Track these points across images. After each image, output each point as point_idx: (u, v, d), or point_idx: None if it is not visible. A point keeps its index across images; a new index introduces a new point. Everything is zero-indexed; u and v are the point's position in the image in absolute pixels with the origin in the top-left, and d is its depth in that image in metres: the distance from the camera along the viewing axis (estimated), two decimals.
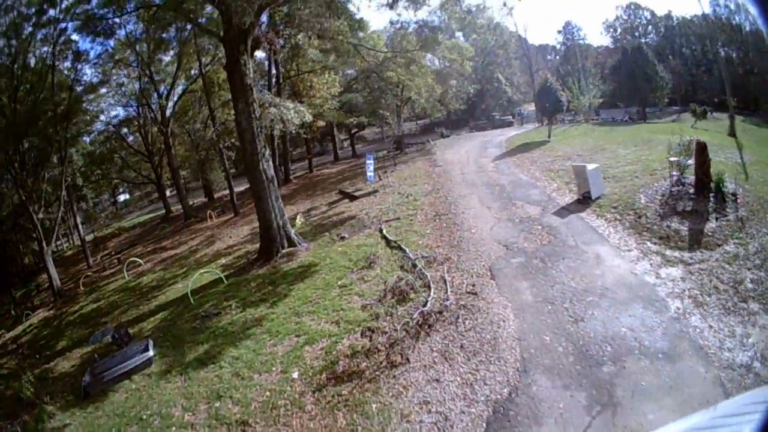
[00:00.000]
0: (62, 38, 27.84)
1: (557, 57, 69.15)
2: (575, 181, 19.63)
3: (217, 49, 31.23)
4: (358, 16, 26.79)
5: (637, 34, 50.50)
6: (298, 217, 24.29)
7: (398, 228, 19.32)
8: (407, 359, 10.28)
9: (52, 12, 25.64)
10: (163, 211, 43.27)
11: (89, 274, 28.58)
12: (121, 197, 58.10)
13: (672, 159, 16.24)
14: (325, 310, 13.54)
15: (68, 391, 13.21)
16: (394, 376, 9.84)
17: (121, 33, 29.93)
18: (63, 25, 26.62)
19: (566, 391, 8.48)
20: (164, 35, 31.58)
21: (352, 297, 14.01)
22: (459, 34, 47.57)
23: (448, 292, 12.79)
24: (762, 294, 10.24)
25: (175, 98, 38.14)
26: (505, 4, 58.36)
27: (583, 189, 17.96)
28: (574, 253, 13.49)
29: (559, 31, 70.06)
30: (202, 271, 19.37)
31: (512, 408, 8.27)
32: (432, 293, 12.91)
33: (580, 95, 37.11)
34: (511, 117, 53.37)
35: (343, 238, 19.81)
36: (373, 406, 9.06)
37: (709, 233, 12.81)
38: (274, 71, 38.82)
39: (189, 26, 27.92)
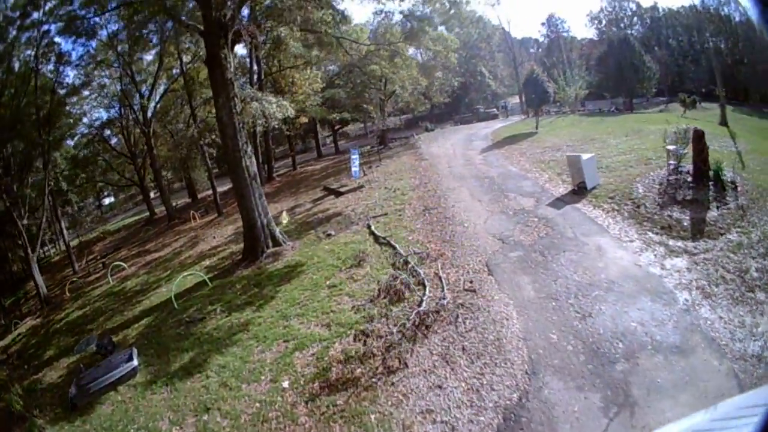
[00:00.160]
0: (45, 40, 27.87)
1: (540, 50, 69.86)
2: (569, 171, 19.44)
3: (198, 46, 30.94)
4: (341, 8, 26.71)
5: (622, 25, 50.91)
6: (283, 214, 23.87)
7: (387, 224, 18.89)
8: (405, 364, 9.74)
9: (36, 15, 25.71)
10: (148, 213, 43.05)
11: (75, 279, 28.13)
12: (107, 200, 57.79)
13: (669, 147, 16.05)
14: (314, 313, 12.98)
15: (56, 404, 12.76)
16: (393, 383, 9.29)
17: (103, 34, 29.93)
18: (46, 27, 26.61)
19: (580, 392, 8.06)
20: (145, 34, 30.92)
21: (342, 298, 13.47)
22: (441, 27, 47.61)
23: (445, 290, 12.28)
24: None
25: (157, 98, 38.03)
26: None
27: (577, 179, 17.70)
28: (575, 246, 13.13)
29: (543, 24, 70.71)
30: (185, 274, 18.92)
31: (524, 414, 7.79)
32: (427, 292, 12.38)
33: (566, 86, 37.21)
34: (495, 110, 53.43)
35: (329, 235, 19.38)
36: (372, 416, 8.49)
37: (711, 222, 12.61)
38: (255, 68, 38.51)
39: (170, 24, 27.76)
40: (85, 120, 38.05)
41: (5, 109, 26.57)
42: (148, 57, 36.00)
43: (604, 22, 53.28)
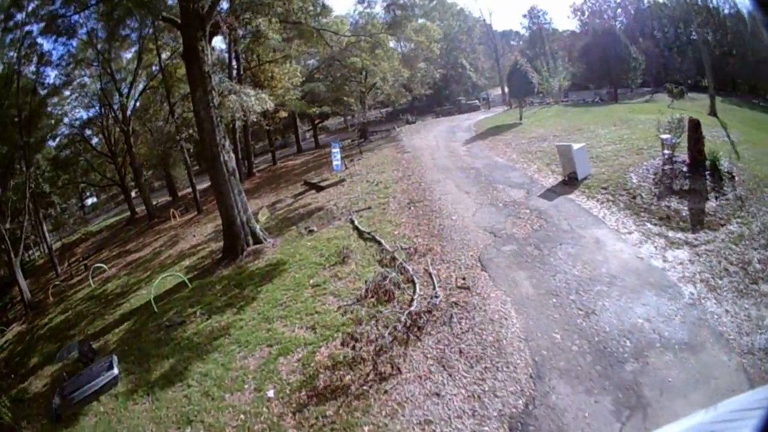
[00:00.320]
0: (27, 41, 28.13)
1: (521, 42, 70.28)
2: (558, 161, 19.23)
3: (177, 42, 30.91)
4: (321, 1, 26.85)
5: (605, 17, 51.28)
6: (263, 210, 23.54)
7: (370, 218, 18.47)
8: (398, 369, 9.21)
9: (19, 16, 25.98)
10: (129, 212, 43.18)
11: (57, 283, 27.82)
12: (89, 201, 57.67)
13: (663, 137, 15.85)
14: (297, 314, 12.48)
15: (42, 414, 12.60)
16: (386, 391, 8.76)
17: (83, 33, 30.40)
18: (28, 27, 26.95)
19: (589, 396, 7.66)
20: (124, 31, 31.69)
21: (326, 297, 12.98)
22: (422, 20, 47.40)
23: (436, 288, 11.80)
24: None
25: (136, 95, 38.34)
26: None
27: (568, 170, 17.41)
28: (571, 238, 12.76)
29: (525, 16, 71.12)
30: (164, 275, 18.50)
31: (531, 423, 7.33)
32: (418, 290, 11.91)
33: (550, 77, 37.28)
34: (477, 101, 53.38)
35: (311, 231, 18.91)
36: (365, 429, 7.93)
37: (711, 213, 12.41)
38: (234, 63, 38.41)
39: (149, 21, 28.58)
40: (65, 120, 38.06)
41: None
42: (128, 55, 36.54)
43: (587, 13, 53.62)
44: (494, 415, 7.60)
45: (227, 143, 19.16)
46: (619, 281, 10.35)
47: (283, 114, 41.28)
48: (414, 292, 11.85)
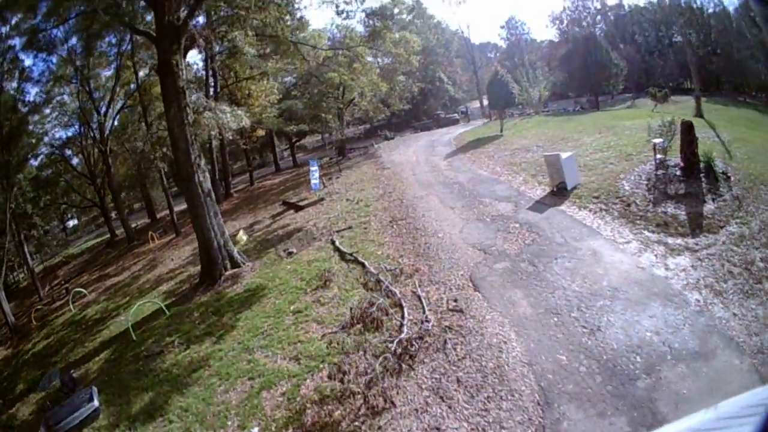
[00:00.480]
0: (9, 55, 28.50)
1: (498, 54, 72.17)
2: (544, 172, 19.35)
3: (154, 58, 31.00)
4: (299, 14, 27.37)
5: (585, 24, 52.71)
6: (240, 233, 23.38)
7: (352, 238, 18.26)
8: (392, 402, 8.74)
9: (2, 29, 26.18)
10: (109, 235, 43.70)
11: (40, 307, 27.88)
12: (71, 223, 58.63)
13: (655, 141, 15.96)
14: (279, 344, 12.08)
15: None
16: (380, 427, 8.28)
17: (63, 49, 30.62)
18: (10, 42, 27.23)
19: (603, 419, 7.34)
20: (102, 47, 32.31)
21: (309, 325, 12.57)
22: (397, 35, 48.32)
23: (426, 312, 11.40)
24: None
25: (114, 114, 38.56)
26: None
27: (556, 180, 17.40)
28: (567, 252, 12.56)
29: (503, 27, 73.12)
30: (141, 302, 18.44)
31: None
32: (406, 314, 11.50)
33: (530, 88, 37.96)
34: (456, 115, 54.42)
35: (291, 253, 18.65)
36: None
37: (709, 215, 12.40)
38: (211, 81, 38.99)
39: (127, 37, 29.52)
40: (45, 139, 38.45)
41: None
42: (107, 72, 36.83)
43: (565, 22, 55.13)
44: None
45: (203, 163, 19.08)
46: (622, 294, 10.13)
47: (261, 132, 41.87)
48: (402, 317, 11.43)
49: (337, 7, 27.07)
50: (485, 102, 49.99)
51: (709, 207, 12.67)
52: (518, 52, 58.60)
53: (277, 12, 23.00)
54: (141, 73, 34.57)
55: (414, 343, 10.23)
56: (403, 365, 9.68)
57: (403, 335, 10.44)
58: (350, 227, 19.64)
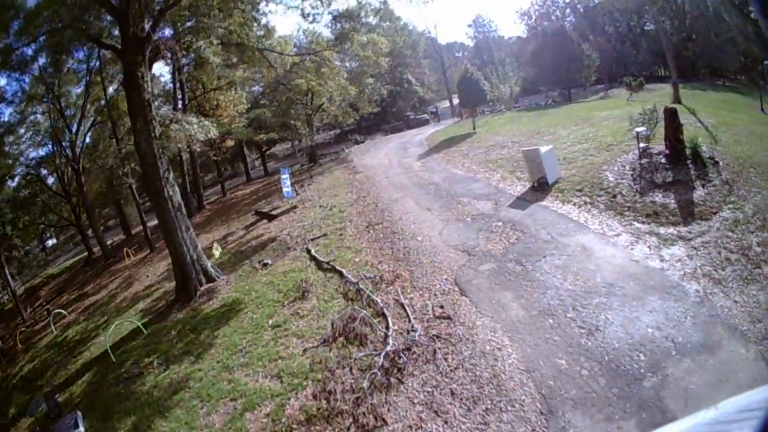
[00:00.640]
0: None
1: (465, 53, 73.47)
2: (523, 168, 19.36)
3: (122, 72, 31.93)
4: (264, 20, 27.78)
5: (554, 18, 53.73)
6: (214, 246, 23.06)
7: (328, 246, 17.96)
8: (383, 420, 8.25)
9: None
10: (86, 253, 44.16)
11: (24, 329, 27.93)
12: (50, 242, 58.97)
13: (638, 129, 15.98)
14: (260, 361, 11.61)
15: None
16: None
17: (35, 68, 30.95)
18: None
19: (611, 423, 7.04)
20: (71, 63, 33.22)
21: (289, 339, 12.12)
22: (364, 38, 49.08)
23: (412, 321, 10.96)
24: None
25: (85, 131, 39.18)
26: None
27: (537, 175, 17.30)
28: (555, 249, 12.30)
29: (470, 26, 74.39)
30: (118, 322, 18.34)
31: None
32: (391, 324, 11.06)
33: (500, 84, 38.46)
34: (426, 115, 55.22)
35: (266, 265, 18.39)
36: None
37: (700, 202, 12.37)
38: (179, 94, 39.52)
39: (96, 53, 30.43)
40: (21, 159, 39.14)
41: None
42: (78, 90, 37.36)
43: (534, 17, 56.14)
44: None
45: (171, 176, 19.12)
46: (618, 289, 9.89)
47: (230, 143, 42.59)
48: (387, 327, 10.98)
49: (302, 11, 27.39)
50: (455, 101, 50.86)
51: (699, 193, 12.65)
52: (486, 50, 59.63)
53: (242, 18, 23.17)
54: (110, 89, 35.17)
55: (401, 355, 9.76)
56: (392, 379, 9.21)
57: (389, 347, 9.97)
58: (325, 234, 19.43)
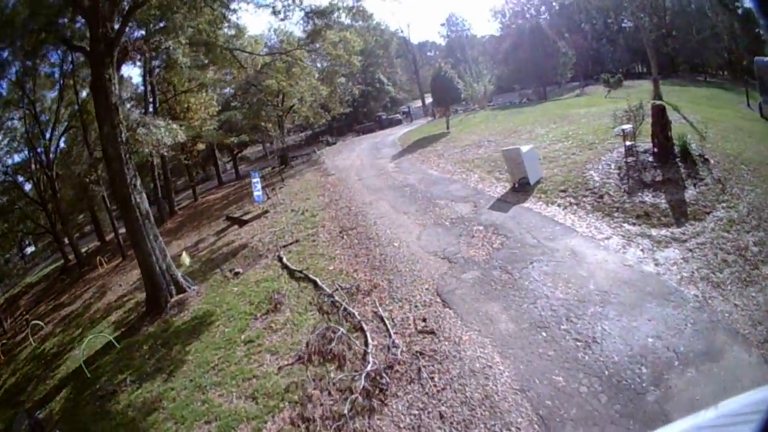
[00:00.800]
0: None
1: (437, 52, 74.70)
2: (502, 168, 19.11)
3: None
4: (234, 18, 27.87)
5: (528, 16, 54.34)
6: (183, 255, 22.82)
7: (300, 252, 17.52)
8: None
9: None
10: (63, 260, 43.98)
11: (5, 341, 27.93)
12: (29, 249, 58.63)
13: (624, 127, 15.80)
14: (233, 380, 11.04)
15: None
16: None
17: (11, 74, 31.33)
18: None
19: None
20: (45, 69, 33.51)
21: (263, 356, 11.58)
22: (336, 37, 49.63)
23: (393, 336, 10.38)
24: None
25: (59, 136, 39.42)
26: None
27: (517, 175, 16.97)
28: (542, 254, 11.87)
29: (443, 24, 75.50)
30: (90, 336, 18.12)
31: None
32: (370, 339, 10.47)
33: (474, 83, 38.63)
34: (398, 115, 55.78)
35: (237, 274, 18.03)
36: None
37: (692, 202, 12.13)
38: (150, 97, 39.62)
39: (70, 57, 30.84)
40: None
41: None
42: (52, 94, 37.73)
43: (508, 15, 56.77)
44: None
45: (138, 183, 19.01)
46: (614, 297, 9.49)
47: (201, 146, 43.19)
48: (366, 343, 10.38)
49: (274, 8, 27.12)
50: (427, 101, 51.32)
51: (690, 192, 12.42)
52: (459, 49, 60.31)
53: (211, 15, 23.15)
54: (84, 93, 35.11)
55: (383, 374, 9.17)
56: (375, 401, 8.62)
57: (369, 367, 9.35)
58: (297, 241, 19.06)
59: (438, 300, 11.37)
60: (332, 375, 9.71)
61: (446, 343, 9.62)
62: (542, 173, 17.00)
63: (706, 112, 21.25)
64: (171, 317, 16.75)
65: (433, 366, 9.09)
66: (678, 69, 43.66)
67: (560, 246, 12.03)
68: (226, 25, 26.55)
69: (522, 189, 16.66)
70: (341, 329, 10.92)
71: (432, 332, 10.09)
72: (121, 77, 32.44)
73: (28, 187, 43.02)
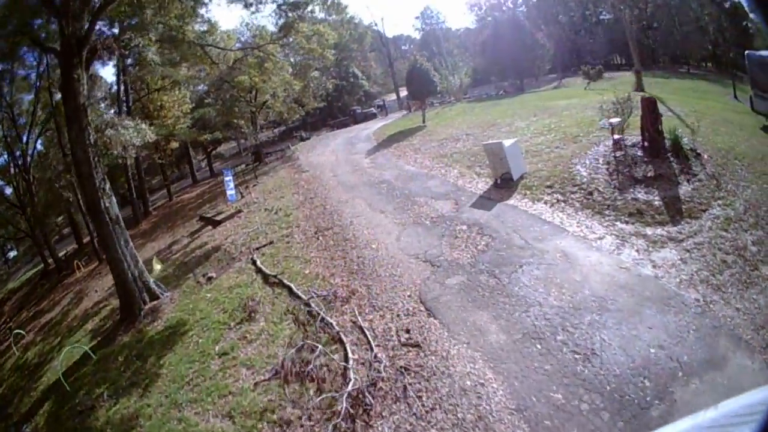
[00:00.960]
0: None
1: (412, 46, 75.73)
2: (482, 162, 18.80)
3: None
4: (204, 12, 28.59)
5: (504, 8, 54.59)
6: (154, 261, 22.46)
7: (274, 255, 17.08)
8: None
9: None
10: (43, 265, 44.06)
11: None
12: (12, 253, 59.08)
13: (612, 120, 15.48)
14: (209, 396, 10.54)
15: None
16: None
17: None
18: None
19: None
20: (23, 71, 34.06)
21: (238, 370, 11.06)
22: (309, 31, 49.83)
23: (374, 349, 9.78)
24: None
25: (35, 139, 39.45)
26: None
27: (500, 171, 16.55)
28: (531, 256, 11.38)
29: (417, 17, 76.28)
30: (68, 348, 17.78)
31: None
32: (350, 353, 9.86)
33: (449, 75, 38.92)
34: (373, 109, 55.82)
35: (210, 279, 17.67)
36: None
37: (687, 199, 11.82)
38: (124, 96, 39.80)
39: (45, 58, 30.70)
40: None
41: None
42: (29, 97, 37.89)
43: (484, 7, 56.92)
44: None
45: (108, 187, 18.85)
46: (611, 303, 9.04)
47: (175, 145, 43.70)
48: (346, 357, 9.77)
49: (245, 1, 28.08)
50: (402, 94, 51.55)
51: (685, 189, 12.09)
52: (435, 42, 60.65)
53: (180, 10, 23.30)
54: (58, 95, 34.98)
55: (366, 393, 8.58)
56: (358, 423, 8.06)
57: (350, 386, 8.75)
58: (272, 242, 18.67)
59: (422, 308, 10.81)
60: (312, 394, 9.16)
61: (433, 357, 9.05)
62: (526, 168, 16.63)
63: (693, 104, 21.21)
64: (145, 326, 16.41)
65: (419, 383, 8.52)
66: (658, 61, 44.34)
67: (550, 247, 11.57)
68: (198, 20, 27.12)
69: (505, 185, 16.26)
70: (319, 346, 10.25)
71: (417, 345, 9.51)
72: (92, 76, 33.85)
73: (9, 191, 43.52)
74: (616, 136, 15.00)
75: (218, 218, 26.56)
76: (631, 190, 12.69)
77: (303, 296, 12.99)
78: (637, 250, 10.59)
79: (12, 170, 39.98)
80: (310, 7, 33.03)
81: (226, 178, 28.33)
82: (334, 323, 11.18)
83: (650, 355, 7.84)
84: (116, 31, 26.38)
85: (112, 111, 37.35)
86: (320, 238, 17.14)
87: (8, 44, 23.43)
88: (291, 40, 36.06)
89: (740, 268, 9.62)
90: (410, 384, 8.55)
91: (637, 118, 14.74)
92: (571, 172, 14.90)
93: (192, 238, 25.54)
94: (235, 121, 45.30)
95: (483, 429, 7.25)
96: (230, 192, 27.67)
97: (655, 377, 7.45)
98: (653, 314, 8.65)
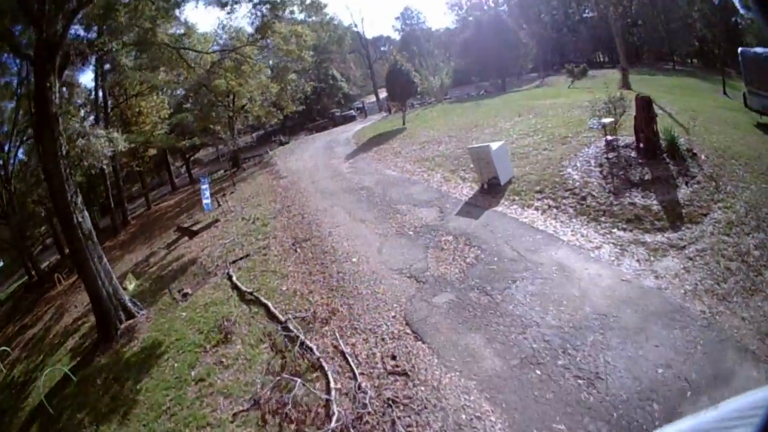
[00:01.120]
0: None
1: (391, 47, 76.36)
2: (468, 165, 18.38)
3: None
4: (178, 14, 28.60)
5: (486, 7, 55.12)
6: (129, 277, 22.17)
7: (251, 269, 16.66)
8: None
9: None
10: (27, 277, 44.07)
11: None
12: None
13: (605, 120, 15.15)
14: (187, 428, 9.98)
15: None
16: None
17: None
18: None
19: None
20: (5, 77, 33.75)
21: (216, 399, 10.48)
22: (286, 30, 49.75)
23: (359, 378, 9.17)
24: None
25: (17, 148, 39.20)
26: None
27: (487, 175, 16.16)
28: (525, 270, 10.87)
29: (397, 18, 77.19)
30: (48, 369, 17.40)
31: None
32: (332, 383, 9.24)
33: (430, 76, 39.29)
34: (353, 111, 56.54)
35: (186, 295, 17.35)
36: None
37: (687, 202, 11.45)
38: (103, 104, 39.80)
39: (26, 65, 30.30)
40: None
41: None
42: (12, 104, 37.63)
43: (465, 7, 57.38)
44: None
45: (80, 200, 18.59)
46: (614, 321, 8.56)
47: (153, 151, 43.88)
48: (328, 388, 9.14)
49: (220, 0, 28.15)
50: (381, 95, 52.07)
51: (683, 192, 11.73)
52: (415, 42, 61.21)
53: (152, 12, 23.28)
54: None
55: (351, 429, 7.99)
56: None
57: (333, 422, 8.13)
58: (248, 255, 18.30)
59: (408, 331, 10.21)
60: (293, 430, 8.57)
61: (423, 387, 8.45)
62: (513, 172, 16.24)
63: (683, 102, 21.12)
64: (121, 347, 16.00)
65: (409, 417, 7.92)
66: (642, 58, 44.94)
67: (545, 259, 11.09)
68: (174, 23, 27.35)
69: (492, 190, 15.89)
70: (298, 380, 9.56)
71: (404, 374, 8.91)
72: (70, 84, 34.39)
73: None
74: (608, 137, 14.65)
75: (195, 228, 26.48)
76: (628, 194, 12.30)
77: (281, 317, 12.43)
78: (637, 260, 10.16)
79: None
80: (288, 9, 32.77)
81: (203, 186, 28.07)
82: (314, 348, 10.57)
83: (657, 375, 7.41)
84: (94, 35, 26.36)
85: (92, 117, 37.01)
86: (298, 250, 16.68)
87: None
88: (269, 41, 36.14)
89: (744, 275, 9.31)
90: (399, 418, 7.95)
91: (628, 117, 14.40)
92: (561, 175, 14.50)
93: (169, 250, 25.24)
94: (213, 126, 45.55)
95: None
96: (206, 201, 27.31)
97: (664, 399, 7.04)
98: (659, 330, 8.21)
